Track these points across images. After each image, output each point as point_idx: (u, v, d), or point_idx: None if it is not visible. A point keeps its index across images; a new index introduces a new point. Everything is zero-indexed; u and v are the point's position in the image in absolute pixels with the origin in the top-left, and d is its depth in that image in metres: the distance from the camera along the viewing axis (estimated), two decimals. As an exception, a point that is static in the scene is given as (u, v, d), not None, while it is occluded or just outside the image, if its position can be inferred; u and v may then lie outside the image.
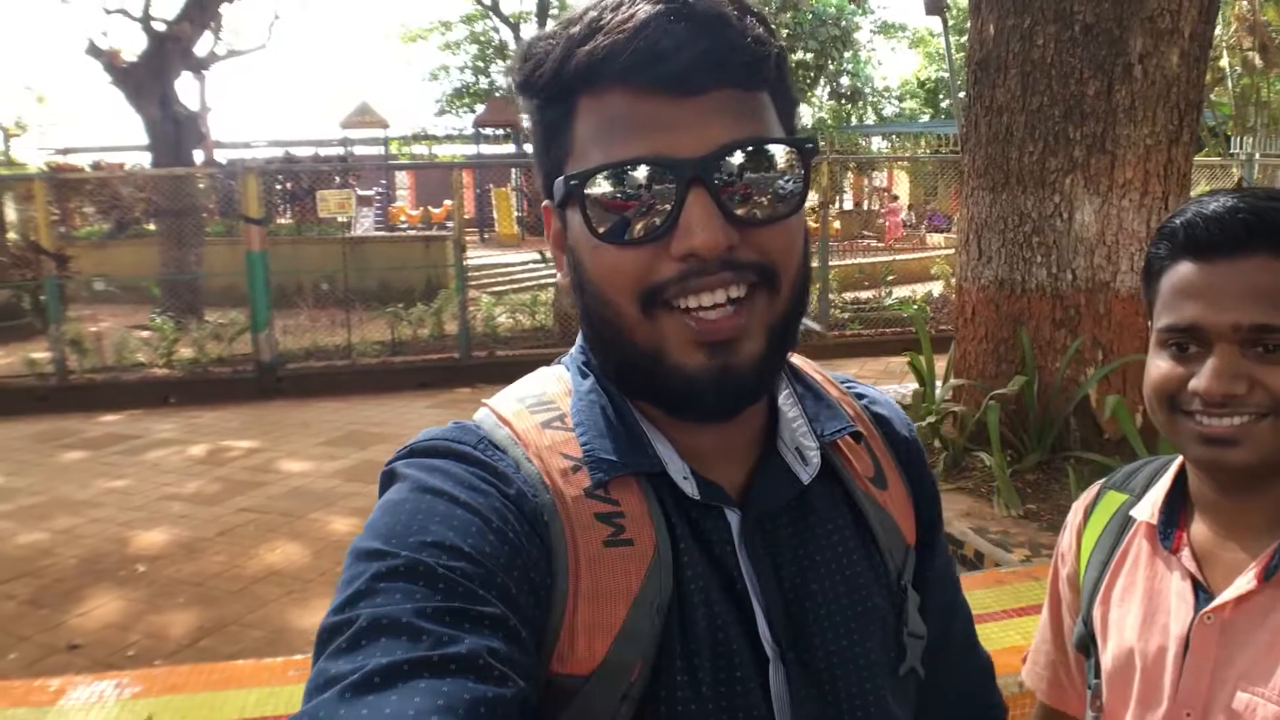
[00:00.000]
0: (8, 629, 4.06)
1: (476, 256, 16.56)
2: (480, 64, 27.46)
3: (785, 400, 0.78)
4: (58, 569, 4.76)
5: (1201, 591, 0.99)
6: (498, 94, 26.62)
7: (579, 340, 0.78)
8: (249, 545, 5.03)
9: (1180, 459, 1.07)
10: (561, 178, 0.67)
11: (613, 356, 0.71)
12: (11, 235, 12.67)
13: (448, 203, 21.38)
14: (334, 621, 0.56)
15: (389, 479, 0.68)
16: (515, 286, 13.73)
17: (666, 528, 0.69)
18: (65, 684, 2.39)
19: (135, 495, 6.02)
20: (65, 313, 9.43)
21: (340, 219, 12.43)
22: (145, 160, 14.49)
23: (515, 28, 24.44)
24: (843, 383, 0.87)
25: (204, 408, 8.58)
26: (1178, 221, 0.97)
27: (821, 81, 21.76)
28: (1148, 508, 1.07)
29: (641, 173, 0.64)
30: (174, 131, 12.54)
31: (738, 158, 0.64)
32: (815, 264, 11.27)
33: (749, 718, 0.68)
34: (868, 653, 0.74)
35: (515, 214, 21.51)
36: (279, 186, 15.91)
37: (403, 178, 24.09)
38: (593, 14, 0.64)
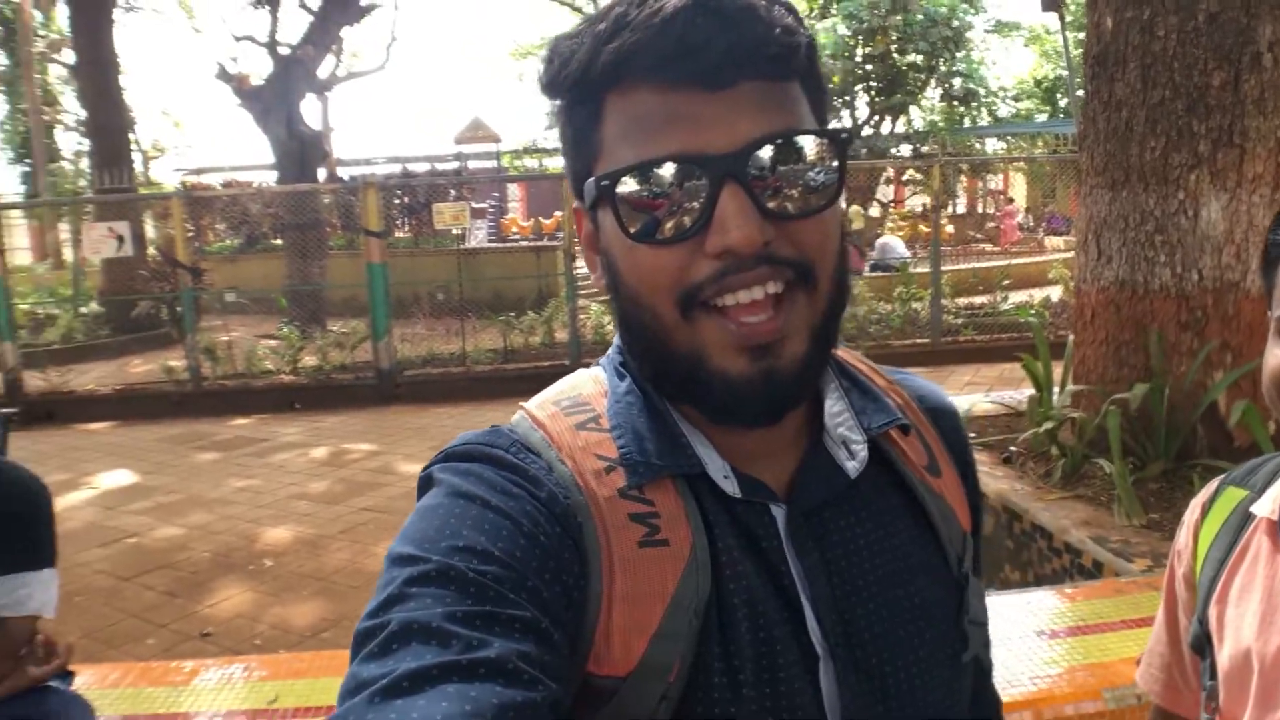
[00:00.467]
0: (147, 617, 4.33)
1: (580, 266, 16.83)
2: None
3: (831, 394, 0.76)
4: (192, 562, 5.05)
5: None
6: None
7: (615, 342, 0.77)
8: (369, 543, 5.23)
9: None
10: (592, 179, 0.67)
11: (651, 360, 0.69)
12: (151, 251, 13.44)
13: (558, 213, 21.73)
14: (367, 626, 0.57)
15: (426, 484, 0.69)
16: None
17: (704, 528, 0.68)
18: (198, 666, 2.54)
19: (263, 494, 6.33)
20: (199, 323, 9.97)
21: (454, 231, 12.77)
22: (272, 178, 15.16)
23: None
24: (890, 373, 0.86)
25: (327, 413, 8.95)
26: None
27: (933, 83, 21.27)
28: (1269, 503, 1.02)
29: (673, 170, 0.63)
30: (299, 150, 13.09)
31: (770, 151, 0.63)
32: (927, 269, 11.05)
33: (795, 717, 0.67)
34: (924, 644, 0.73)
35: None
36: (397, 201, 16.46)
37: (514, 190, 24.57)
38: (619, 10, 0.64)
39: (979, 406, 5.34)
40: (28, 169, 22.74)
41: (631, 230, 0.64)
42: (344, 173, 21.32)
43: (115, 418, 9.04)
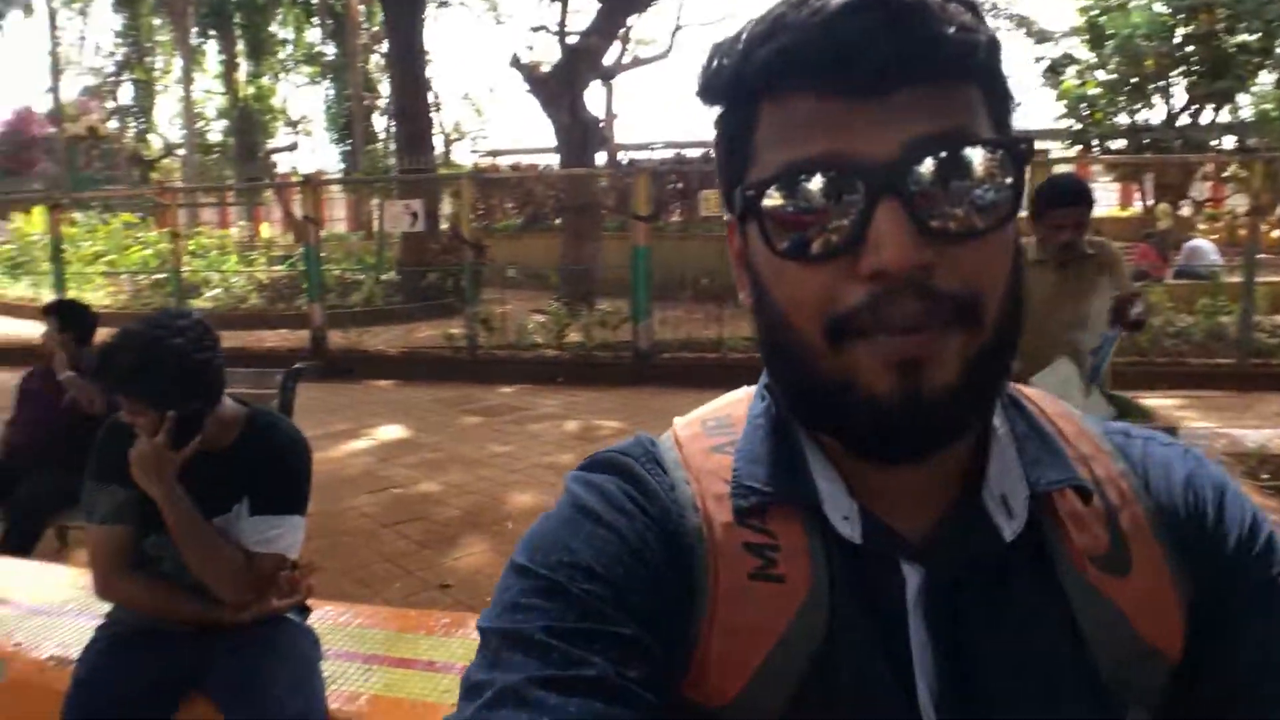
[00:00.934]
0: (398, 563, 4.69)
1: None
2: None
3: (999, 441, 0.66)
4: (444, 517, 5.41)
5: None
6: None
7: None
8: (604, 518, 5.37)
9: None
10: (739, 189, 0.62)
11: (793, 385, 0.64)
12: (444, 226, 14.57)
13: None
14: (482, 630, 0.61)
15: (565, 490, 0.69)
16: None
17: (828, 569, 0.62)
18: (441, 616, 2.74)
19: (516, 460, 6.69)
20: (479, 295, 10.67)
21: (725, 217, 12.83)
22: (555, 161, 15.95)
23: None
24: (1110, 433, 0.71)
25: (584, 388, 9.30)
26: None
27: (1267, 68, 18.82)
28: None
29: (823, 180, 0.57)
30: (580, 135, 13.67)
31: (935, 161, 0.56)
32: (1238, 278, 9.80)
33: None
34: None
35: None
36: (670, 186, 16.83)
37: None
38: (779, 10, 0.58)
39: (1280, 442, 4.68)
40: (348, 149, 25.31)
41: (778, 245, 0.59)
42: (624, 157, 22.07)
43: (399, 377, 9.90)
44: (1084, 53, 17.87)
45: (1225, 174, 18.75)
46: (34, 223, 15.09)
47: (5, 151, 28.79)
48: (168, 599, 2.19)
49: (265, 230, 20.20)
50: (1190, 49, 17.17)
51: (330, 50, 28.97)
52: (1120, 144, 17.28)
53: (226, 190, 22.80)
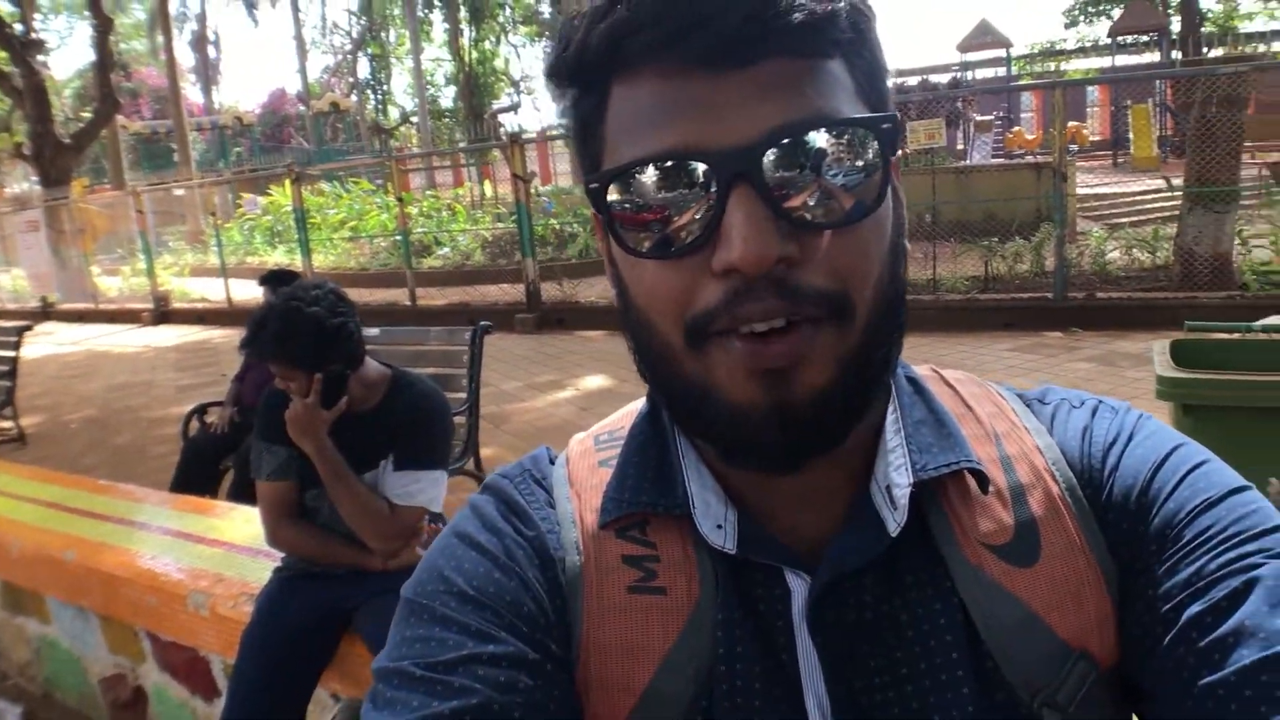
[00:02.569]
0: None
1: (1098, 185, 15.08)
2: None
3: (890, 428, 0.60)
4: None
5: None
6: (1140, -3, 23.63)
7: None
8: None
9: None
10: (586, 182, 0.57)
11: (660, 389, 0.60)
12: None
13: (1073, 124, 19.70)
14: (374, 671, 0.59)
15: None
16: (1142, 218, 12.21)
17: (714, 580, 0.59)
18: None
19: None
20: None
21: (931, 148, 12.06)
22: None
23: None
24: (1035, 403, 0.66)
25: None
26: None
27: None
28: None
29: (675, 169, 0.52)
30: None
31: (794, 145, 0.51)
32: None
33: None
34: None
35: (1156, 133, 18.94)
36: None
37: (1027, 100, 22.71)
38: None
39: None
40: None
41: (628, 242, 0.55)
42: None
43: (609, 328, 10.11)
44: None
45: None
46: (284, 195, 16.51)
47: (263, 131, 31.75)
48: (325, 546, 2.35)
49: (488, 189, 21.11)
50: None
51: (546, 9, 29.74)
52: None
53: (453, 154, 23.97)
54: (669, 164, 0.52)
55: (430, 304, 11.79)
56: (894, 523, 0.57)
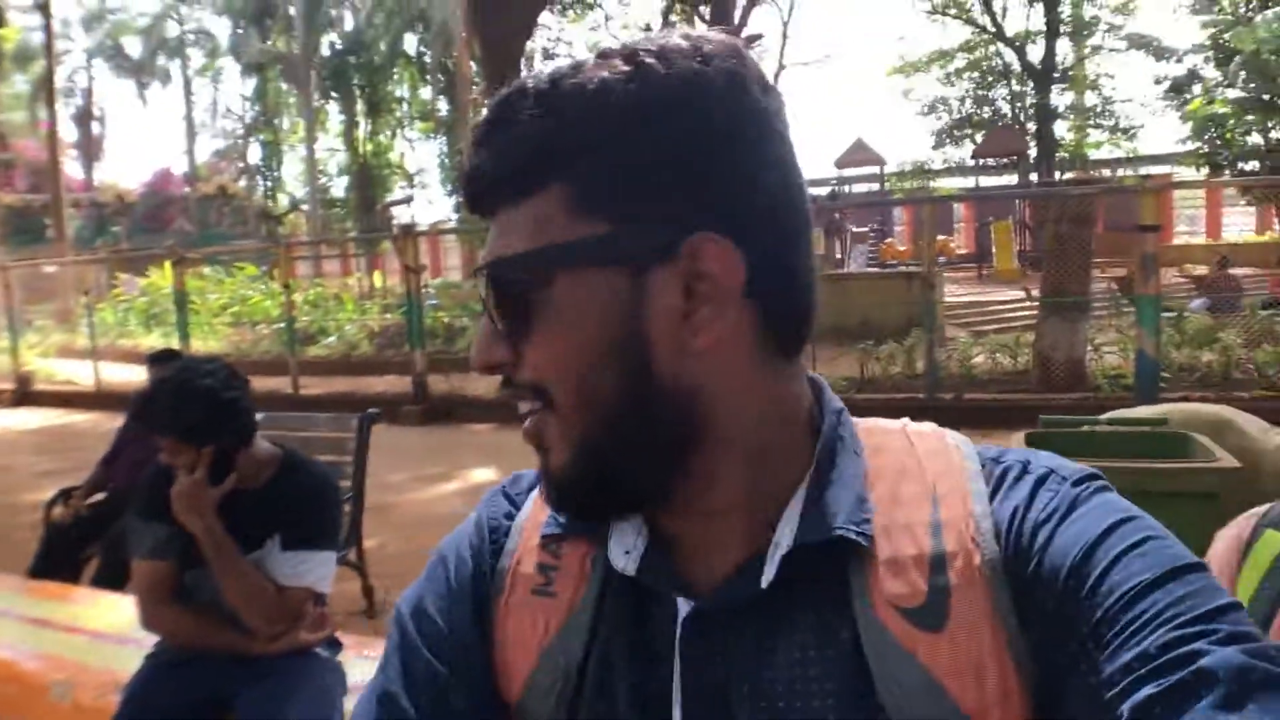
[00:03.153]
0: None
1: (964, 294, 16.01)
2: (982, 91, 26.51)
3: (800, 490, 0.64)
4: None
5: None
6: (1001, 123, 25.50)
7: None
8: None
9: None
10: None
11: None
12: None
13: (941, 237, 20.91)
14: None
15: None
16: (1003, 326, 12.99)
17: (598, 595, 0.67)
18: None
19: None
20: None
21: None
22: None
23: (1020, 50, 23.23)
24: (992, 466, 0.65)
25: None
26: None
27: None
28: None
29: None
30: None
31: (492, 276, 0.62)
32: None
33: None
34: None
35: (1017, 248, 20.29)
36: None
37: (898, 213, 24.03)
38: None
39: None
40: (462, 200, 26.24)
41: None
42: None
43: (497, 421, 10.07)
44: (1210, 71, 17.05)
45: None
46: (165, 277, 16.06)
47: (145, 210, 30.91)
48: (205, 628, 2.29)
49: (378, 280, 20.97)
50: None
51: (443, 106, 30.22)
52: (1253, 165, 16.38)
53: (340, 243, 23.81)
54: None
55: (313, 393, 11.55)
56: (767, 578, 0.61)
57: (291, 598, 2.27)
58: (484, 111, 0.65)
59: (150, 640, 2.40)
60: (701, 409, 0.61)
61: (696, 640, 0.63)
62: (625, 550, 0.66)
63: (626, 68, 0.59)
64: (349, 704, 2.31)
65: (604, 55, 0.61)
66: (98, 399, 13.00)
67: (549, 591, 0.68)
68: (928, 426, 0.71)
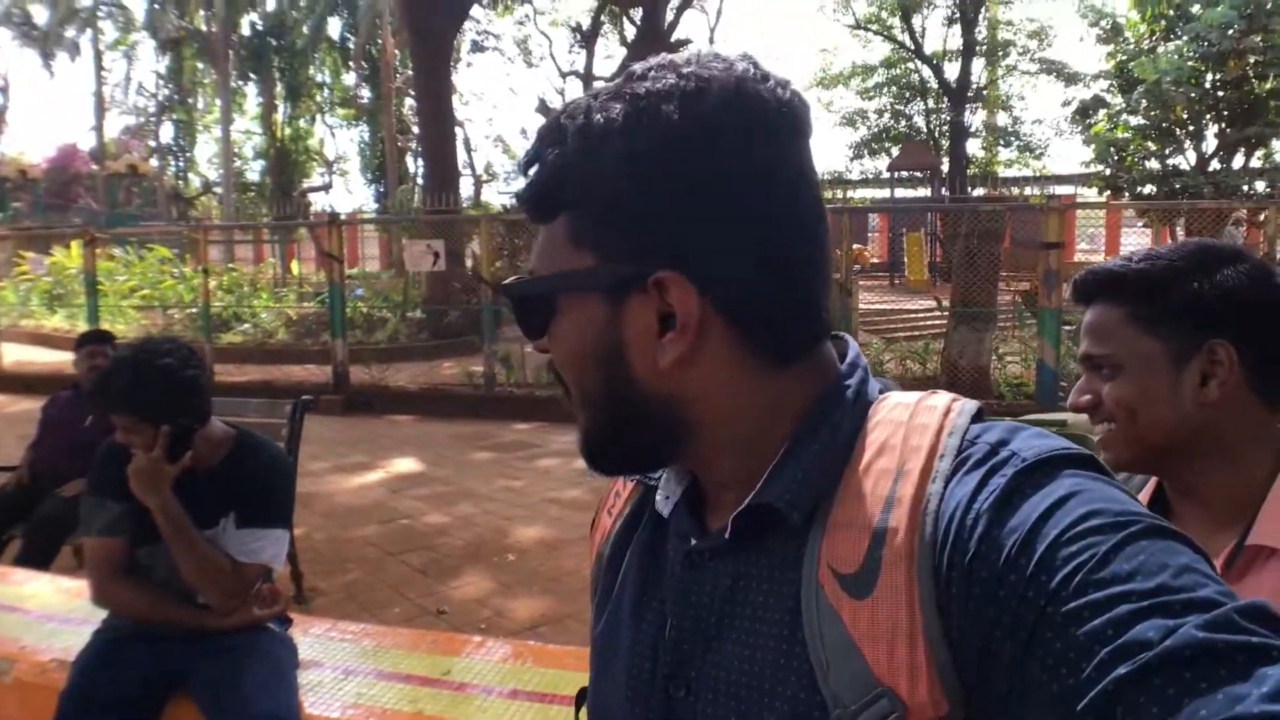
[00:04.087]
0: (399, 589, 4.83)
1: (877, 302, 16.49)
2: (899, 106, 27.26)
3: (781, 455, 0.71)
4: (447, 547, 5.56)
5: None
6: (916, 138, 26.28)
7: None
8: (603, 551, 5.47)
9: None
10: None
11: None
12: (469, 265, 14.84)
13: (857, 246, 21.47)
14: None
15: None
16: (916, 333, 13.46)
17: (631, 521, 0.84)
18: (427, 635, 2.86)
19: (523, 495, 6.83)
20: (498, 334, 10.87)
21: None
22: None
23: (938, 69, 23.97)
24: (968, 446, 0.66)
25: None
26: (1077, 278, 1.26)
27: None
28: None
29: None
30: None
31: (519, 290, 0.74)
32: None
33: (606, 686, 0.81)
34: None
35: (927, 259, 21.00)
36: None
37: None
38: None
39: None
40: (382, 189, 25.88)
41: None
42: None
43: (419, 413, 10.10)
44: (1114, 97, 17.83)
45: (1260, 220, 18.57)
46: (72, 257, 15.55)
47: (49, 187, 29.70)
48: (158, 604, 2.34)
49: (296, 268, 20.58)
50: (1220, 94, 17.15)
51: (366, 93, 29.75)
52: (1151, 189, 17.21)
53: (259, 228, 23.28)
54: None
55: (230, 380, 11.34)
56: (729, 532, 0.71)
57: (248, 573, 2.33)
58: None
59: (89, 617, 2.42)
60: (690, 412, 0.70)
61: (689, 574, 0.74)
62: (666, 496, 0.79)
63: (629, 110, 0.66)
64: (301, 677, 2.40)
65: (632, 78, 0.68)
66: (1, 381, 12.53)
67: (611, 510, 0.88)
68: (942, 398, 0.71)
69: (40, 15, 31.26)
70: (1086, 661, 0.51)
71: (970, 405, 0.70)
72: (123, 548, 2.34)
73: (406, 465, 7.76)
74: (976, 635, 0.58)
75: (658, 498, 0.79)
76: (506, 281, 0.75)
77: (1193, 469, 1.15)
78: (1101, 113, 18.34)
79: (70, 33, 30.88)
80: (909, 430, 0.68)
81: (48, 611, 2.93)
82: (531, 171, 0.72)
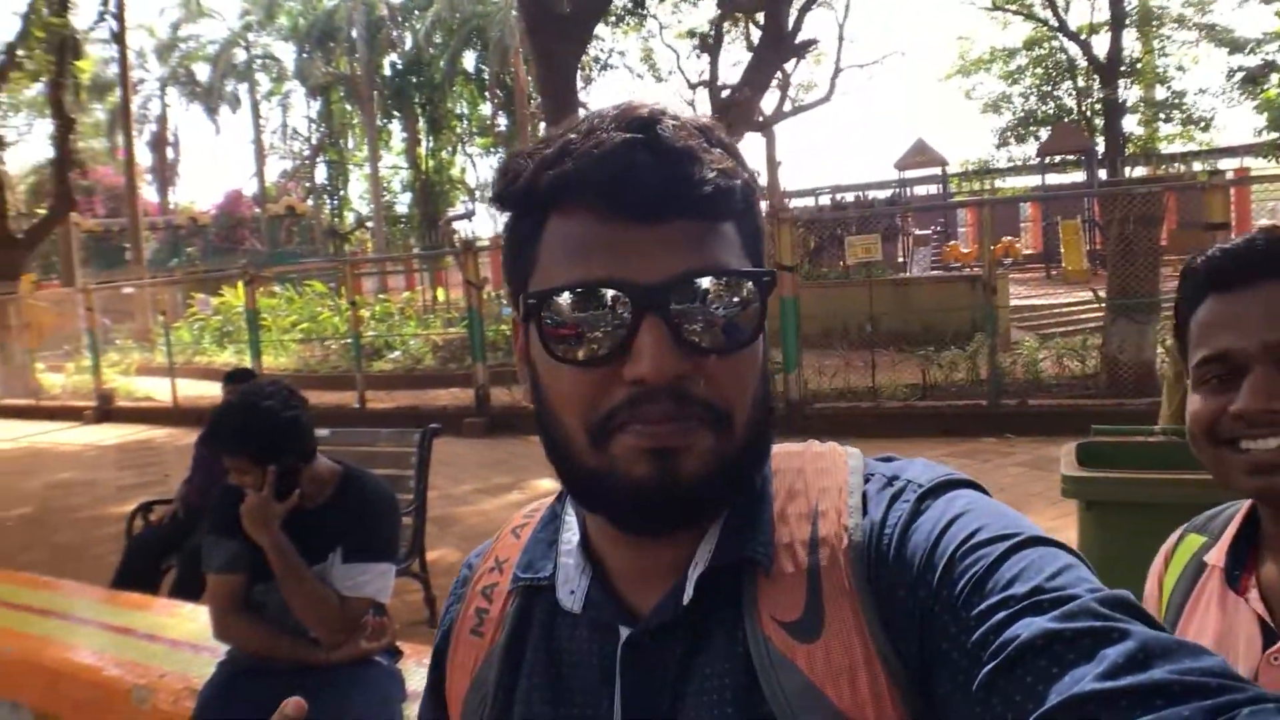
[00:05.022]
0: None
1: (1030, 296, 15.71)
2: (1046, 88, 25.98)
3: (721, 517, 0.71)
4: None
5: (1270, 633, 0.99)
6: (1066, 119, 25.00)
7: None
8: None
9: (1251, 500, 1.06)
10: (523, 295, 0.69)
11: (564, 472, 0.71)
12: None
13: (1007, 238, 20.55)
14: None
15: None
16: (1073, 328, 12.72)
17: (512, 632, 0.76)
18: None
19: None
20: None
21: (867, 261, 12.50)
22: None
23: (1085, 44, 22.74)
24: (878, 481, 0.71)
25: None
26: (1199, 262, 1.03)
27: None
28: (1217, 552, 1.08)
29: (599, 296, 0.64)
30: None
31: (694, 286, 0.64)
32: None
33: None
34: None
35: (1086, 247, 19.80)
36: (830, 232, 16.69)
37: (962, 215, 23.66)
38: (567, 136, 0.66)
39: None
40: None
41: (554, 350, 0.66)
42: (796, 204, 21.97)
43: (559, 431, 10.19)
44: (1285, 60, 16.48)
45: None
46: (237, 296, 16.57)
47: (217, 231, 31.91)
48: (271, 639, 2.41)
49: (441, 294, 21.33)
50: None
51: (503, 121, 30.67)
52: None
53: (405, 259, 24.26)
54: (594, 291, 0.64)
55: (379, 407, 11.82)
56: (687, 597, 0.68)
57: (353, 608, 2.37)
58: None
59: (223, 649, 2.51)
60: None
61: (632, 665, 0.69)
62: (570, 590, 0.73)
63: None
64: (409, 710, 2.40)
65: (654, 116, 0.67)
66: (175, 414, 13.49)
67: (480, 631, 0.79)
68: (827, 446, 0.77)
69: (202, 73, 33.74)
70: (976, 667, 0.56)
71: (853, 449, 0.76)
72: (240, 584, 2.42)
73: (547, 485, 7.82)
74: (920, 643, 0.62)
75: (561, 595, 0.74)
76: (752, 269, 0.67)
77: None
78: (1274, 77, 16.99)
79: (230, 86, 33.18)
80: (811, 475, 0.72)
81: (185, 641, 3.06)
82: (718, 160, 0.65)
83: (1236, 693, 0.48)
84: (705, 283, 0.64)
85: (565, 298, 0.65)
